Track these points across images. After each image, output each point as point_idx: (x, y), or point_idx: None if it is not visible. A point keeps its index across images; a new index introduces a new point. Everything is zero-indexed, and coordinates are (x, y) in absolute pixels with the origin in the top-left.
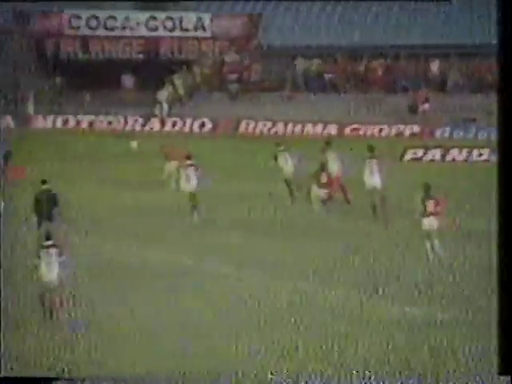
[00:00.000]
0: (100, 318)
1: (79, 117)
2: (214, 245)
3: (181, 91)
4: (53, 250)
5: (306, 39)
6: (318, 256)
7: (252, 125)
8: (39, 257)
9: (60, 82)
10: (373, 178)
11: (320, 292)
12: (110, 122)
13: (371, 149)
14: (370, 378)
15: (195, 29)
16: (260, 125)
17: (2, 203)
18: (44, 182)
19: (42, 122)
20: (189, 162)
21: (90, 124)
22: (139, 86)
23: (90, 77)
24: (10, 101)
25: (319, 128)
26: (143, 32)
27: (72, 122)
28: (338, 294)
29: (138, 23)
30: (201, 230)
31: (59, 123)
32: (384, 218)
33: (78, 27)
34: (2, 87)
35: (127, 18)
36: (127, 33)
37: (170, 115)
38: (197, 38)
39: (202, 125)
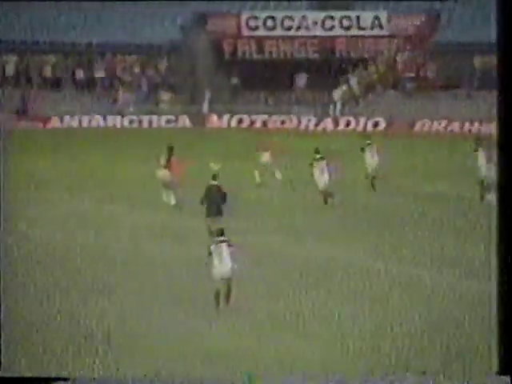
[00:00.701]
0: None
1: (253, 116)
2: None
3: (355, 90)
4: (224, 245)
5: (484, 36)
6: None
7: (428, 123)
8: (211, 252)
9: (236, 82)
10: None
11: None
12: (283, 122)
13: None
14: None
15: (372, 27)
16: (435, 124)
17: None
18: (214, 177)
19: (217, 122)
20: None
21: (264, 123)
22: (313, 86)
23: (265, 77)
24: (186, 101)
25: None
26: (319, 31)
27: (246, 122)
28: None
29: (314, 22)
30: None
31: (234, 122)
32: None
33: (256, 28)
34: (180, 88)
35: (304, 18)
36: (303, 32)
37: (343, 114)
38: (373, 37)
39: (376, 124)
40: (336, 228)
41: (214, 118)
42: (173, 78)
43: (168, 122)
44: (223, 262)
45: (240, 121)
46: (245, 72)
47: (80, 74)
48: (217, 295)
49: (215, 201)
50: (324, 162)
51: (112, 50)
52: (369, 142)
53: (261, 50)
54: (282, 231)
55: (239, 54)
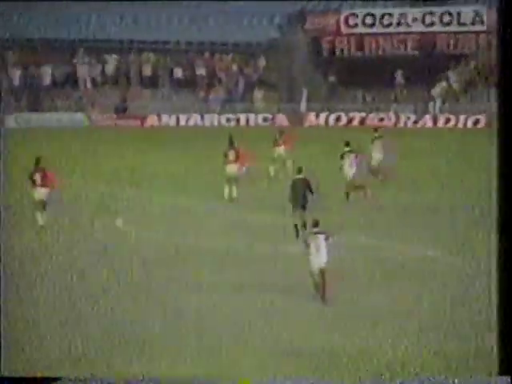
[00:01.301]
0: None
1: (351, 114)
2: None
3: (455, 87)
4: (322, 236)
5: None
6: None
7: None
8: (307, 243)
9: (333, 80)
10: None
11: None
12: (381, 119)
13: None
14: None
15: (472, 23)
16: None
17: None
18: (300, 170)
19: (315, 120)
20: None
21: (362, 121)
22: (412, 83)
23: (363, 74)
24: (284, 99)
25: None
26: (419, 27)
27: (344, 120)
28: None
29: (414, 19)
30: None
31: (332, 121)
32: None
33: (355, 25)
34: (277, 86)
35: (403, 15)
36: (402, 29)
37: (442, 112)
38: (474, 32)
39: (477, 122)
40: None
41: (312, 116)
42: (270, 77)
43: (265, 120)
44: (320, 253)
45: (338, 118)
46: (343, 70)
47: (178, 73)
48: (316, 286)
49: (301, 194)
50: (353, 155)
51: (210, 49)
52: (377, 134)
53: (360, 47)
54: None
55: (337, 51)
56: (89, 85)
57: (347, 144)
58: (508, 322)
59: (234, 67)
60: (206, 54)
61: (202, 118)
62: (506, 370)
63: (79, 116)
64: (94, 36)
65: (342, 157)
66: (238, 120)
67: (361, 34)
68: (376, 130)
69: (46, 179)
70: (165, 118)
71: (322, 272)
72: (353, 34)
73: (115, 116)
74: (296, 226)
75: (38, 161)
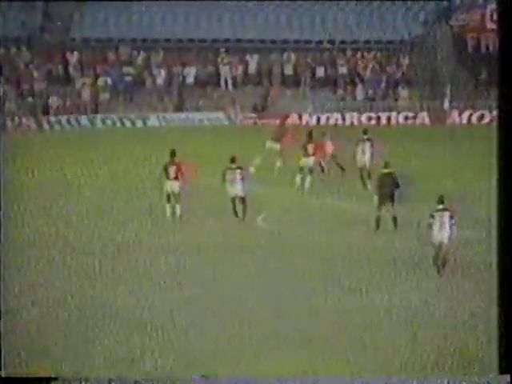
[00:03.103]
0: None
1: (494, 112)
2: None
3: None
4: (447, 213)
5: None
6: None
7: None
8: (433, 216)
9: (478, 77)
10: None
11: None
12: None
13: None
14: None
15: None
16: None
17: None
18: (386, 165)
19: (458, 118)
20: None
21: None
22: None
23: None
24: (426, 97)
25: None
26: None
27: (487, 118)
28: None
29: None
30: None
31: (474, 119)
32: None
33: None
34: (420, 84)
35: None
36: None
37: None
38: None
39: None
40: None
41: (455, 114)
42: (413, 74)
43: (406, 118)
44: (443, 228)
45: (481, 117)
46: (487, 67)
47: (320, 72)
48: (435, 260)
49: (388, 188)
50: (369, 144)
51: (352, 47)
52: (366, 137)
53: None
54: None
55: (482, 48)
56: (230, 85)
57: (365, 132)
58: (508, 322)
59: (376, 65)
60: (348, 53)
61: (343, 117)
62: (505, 369)
63: (219, 115)
64: (235, 36)
65: (356, 143)
66: (378, 118)
67: None
68: (365, 131)
69: (180, 172)
70: (305, 117)
71: (442, 246)
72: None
73: (255, 115)
74: (378, 218)
75: (172, 154)
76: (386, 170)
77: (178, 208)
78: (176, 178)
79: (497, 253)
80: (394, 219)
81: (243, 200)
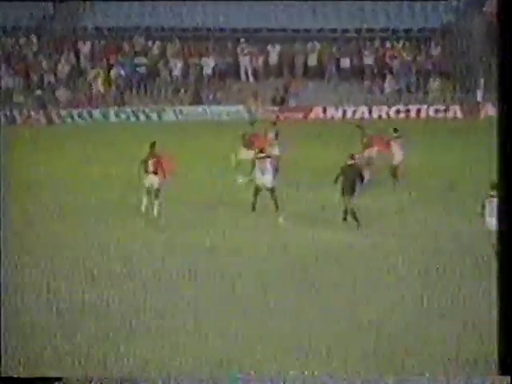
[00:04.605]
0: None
1: None
2: None
3: None
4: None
5: None
6: None
7: None
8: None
9: None
10: None
11: None
12: None
13: None
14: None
15: None
16: None
17: None
18: (352, 156)
19: (491, 110)
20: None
21: None
22: None
23: None
24: (459, 89)
25: None
26: None
27: None
28: None
29: None
30: None
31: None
32: None
33: None
34: (452, 75)
35: None
36: None
37: None
38: None
39: None
40: None
41: (489, 106)
42: (445, 65)
43: (437, 111)
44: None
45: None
46: None
47: (346, 63)
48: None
49: (350, 180)
50: (400, 140)
51: (380, 37)
52: (396, 134)
53: None
54: None
55: None
56: (250, 76)
57: (395, 130)
58: (508, 322)
59: (406, 56)
60: (376, 42)
61: (370, 110)
62: (506, 369)
63: (239, 108)
64: (256, 25)
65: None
66: (407, 111)
67: None
68: (396, 130)
69: (160, 166)
70: (330, 110)
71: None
72: None
73: (276, 108)
74: (345, 211)
75: (152, 146)
76: (350, 162)
77: (156, 204)
78: (155, 172)
79: (498, 255)
80: (353, 212)
81: (272, 191)
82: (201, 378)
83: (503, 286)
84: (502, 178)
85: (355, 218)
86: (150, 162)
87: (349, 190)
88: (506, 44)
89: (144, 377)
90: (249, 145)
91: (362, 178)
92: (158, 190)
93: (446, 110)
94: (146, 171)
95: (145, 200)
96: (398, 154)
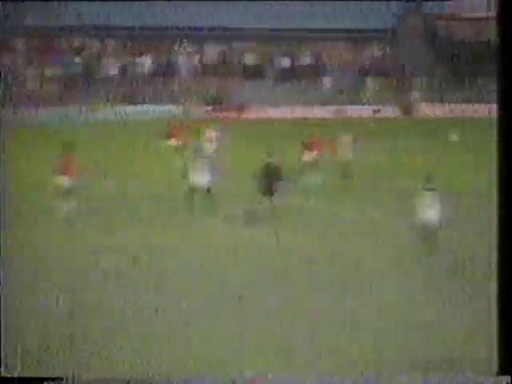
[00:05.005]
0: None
1: (464, 104)
2: None
3: None
4: (433, 193)
5: None
6: None
7: None
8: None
9: (449, 68)
10: None
11: None
12: None
13: None
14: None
15: None
16: None
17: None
18: (270, 154)
19: (427, 109)
20: None
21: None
22: None
23: (481, 61)
24: (397, 89)
25: None
26: None
27: (458, 110)
28: None
29: None
30: None
31: (445, 111)
32: None
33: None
34: (390, 75)
35: None
36: None
37: None
38: None
39: None
40: None
41: (423, 106)
42: (383, 65)
43: (374, 111)
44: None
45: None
46: (459, 57)
47: (285, 62)
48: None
49: (269, 178)
50: (348, 140)
51: (319, 37)
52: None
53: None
54: None
55: (455, 36)
56: (186, 75)
57: (343, 131)
58: (508, 322)
59: (345, 55)
60: (314, 42)
61: (308, 109)
62: (506, 369)
63: (172, 108)
64: (193, 24)
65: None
66: (344, 112)
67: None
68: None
69: (69, 168)
70: (266, 110)
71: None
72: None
73: (210, 108)
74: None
75: (66, 147)
76: (268, 160)
77: (64, 207)
78: (65, 173)
79: (498, 256)
80: (273, 211)
81: (208, 191)
82: (201, 378)
83: (503, 285)
84: (503, 177)
85: (277, 218)
86: (60, 163)
87: (268, 189)
88: (506, 44)
89: (144, 377)
90: (174, 134)
91: (279, 177)
92: (69, 190)
93: (379, 111)
94: (58, 172)
95: (60, 201)
96: (345, 154)
